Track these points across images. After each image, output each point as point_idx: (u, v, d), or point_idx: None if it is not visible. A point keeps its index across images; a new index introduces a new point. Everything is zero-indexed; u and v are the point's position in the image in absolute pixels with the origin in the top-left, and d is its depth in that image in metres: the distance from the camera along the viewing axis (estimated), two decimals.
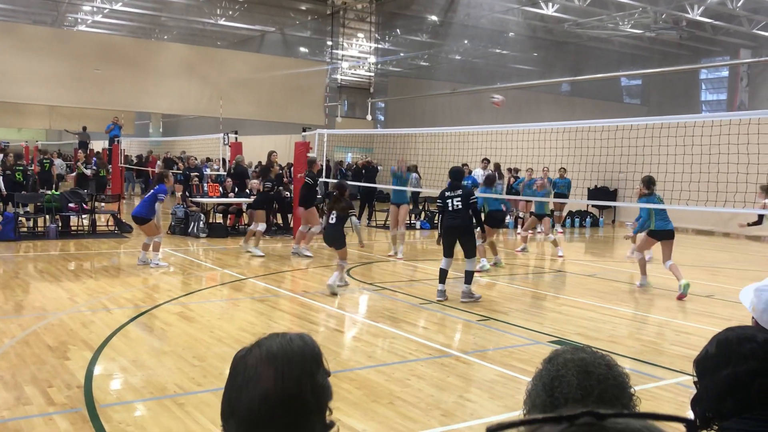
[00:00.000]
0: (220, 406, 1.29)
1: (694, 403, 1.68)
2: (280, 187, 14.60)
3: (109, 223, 15.13)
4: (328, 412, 1.30)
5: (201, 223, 14.65)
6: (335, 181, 12.71)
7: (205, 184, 16.92)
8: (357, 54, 32.93)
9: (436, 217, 18.70)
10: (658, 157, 12.26)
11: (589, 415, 0.71)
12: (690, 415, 1.68)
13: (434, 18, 28.16)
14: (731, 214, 14.26)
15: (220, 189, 15.84)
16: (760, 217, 10.82)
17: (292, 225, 15.12)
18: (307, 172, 12.60)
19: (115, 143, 23.66)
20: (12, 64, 19.98)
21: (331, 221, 8.99)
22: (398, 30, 30.77)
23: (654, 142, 13.09)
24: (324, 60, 30.45)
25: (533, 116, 25.31)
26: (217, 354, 6.07)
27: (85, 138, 26.82)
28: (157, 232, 10.76)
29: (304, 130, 15.72)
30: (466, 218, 8.63)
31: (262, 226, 12.70)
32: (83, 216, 14.36)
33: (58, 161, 24.38)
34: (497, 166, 17.45)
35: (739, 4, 22.76)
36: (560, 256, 13.13)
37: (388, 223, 13.78)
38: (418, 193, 19.00)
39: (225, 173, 17.70)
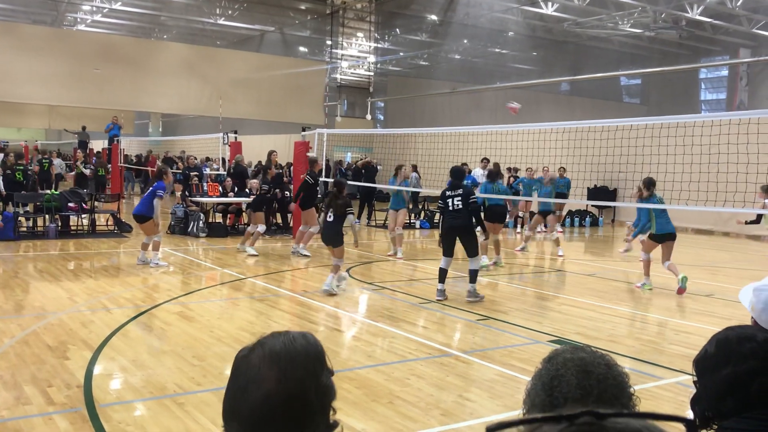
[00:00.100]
0: (222, 407, 1.27)
1: (694, 403, 1.68)
2: (277, 189, 14.60)
3: (109, 223, 15.12)
4: (331, 412, 1.29)
5: (200, 222, 14.65)
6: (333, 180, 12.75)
7: (205, 184, 16.92)
8: (356, 53, 32.93)
9: (436, 217, 18.74)
10: (657, 157, 12.27)
11: (589, 415, 0.71)
12: (690, 414, 1.68)
13: (434, 17, 28.16)
14: (731, 214, 14.27)
15: (220, 188, 15.84)
16: (759, 216, 10.83)
17: (291, 225, 15.12)
18: (309, 171, 12.62)
19: (115, 143, 23.66)
20: (11, 63, 19.97)
21: (329, 219, 8.92)
22: (398, 29, 30.77)
23: (653, 141, 13.10)
24: (323, 59, 30.45)
25: (533, 116, 25.25)
26: (217, 353, 6.07)
27: (85, 137, 26.81)
28: (157, 231, 10.74)
29: (304, 130, 15.72)
30: (466, 218, 8.61)
31: (261, 228, 12.74)
32: (83, 216, 14.36)
33: (57, 161, 24.36)
34: (496, 166, 17.44)
35: (738, 4, 22.77)
36: (560, 256, 13.13)
37: (387, 223, 13.79)
38: (418, 192, 19.02)
39: (225, 173, 17.69)
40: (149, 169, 26.78)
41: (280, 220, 16.17)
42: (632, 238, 11.10)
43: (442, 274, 8.77)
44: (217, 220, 15.58)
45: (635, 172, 13.56)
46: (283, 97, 24.45)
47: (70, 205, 14.03)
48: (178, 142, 33.56)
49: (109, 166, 23.02)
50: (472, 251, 8.69)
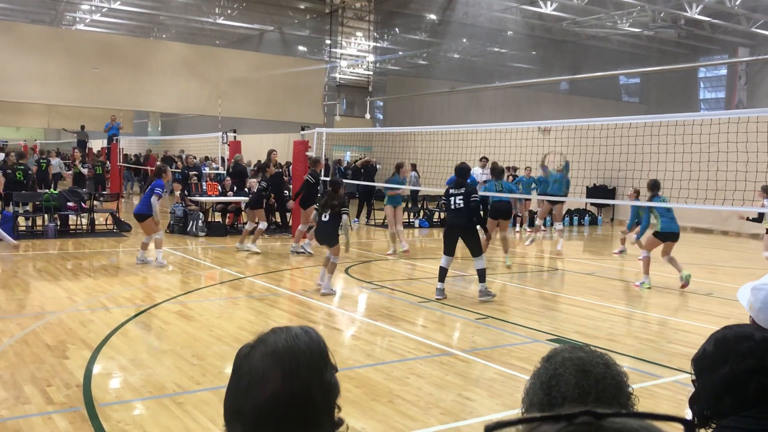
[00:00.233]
0: (223, 407, 1.24)
1: (692, 402, 1.68)
2: (272, 189, 14.56)
3: (108, 222, 15.12)
4: (336, 410, 1.26)
5: (200, 221, 14.65)
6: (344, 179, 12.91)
7: (204, 183, 16.91)
8: (356, 53, 32.91)
9: (435, 216, 18.75)
10: (656, 156, 12.27)
11: (587, 415, 0.71)
12: (688, 413, 1.68)
13: (433, 17, 28.14)
14: (729, 212, 14.28)
15: (219, 188, 15.84)
16: (761, 215, 10.85)
17: (290, 224, 15.12)
18: (311, 170, 12.66)
19: (114, 142, 23.64)
20: (10, 62, 19.95)
21: (324, 219, 8.80)
22: (397, 29, 30.75)
23: (652, 140, 13.11)
24: (323, 59, 30.43)
25: (532, 115, 25.35)
26: (216, 353, 6.07)
27: (84, 137, 26.80)
28: (157, 229, 10.73)
29: (303, 129, 15.72)
30: (467, 217, 8.59)
31: (263, 224, 12.81)
32: (82, 215, 14.36)
33: (56, 161, 24.34)
34: (495, 165, 17.43)
35: (737, 3, 22.77)
36: (558, 250, 13.18)
37: (386, 222, 13.82)
38: (417, 191, 19.02)
39: (224, 172, 17.70)
40: (149, 168, 26.79)
41: (279, 219, 16.17)
42: (637, 239, 11.07)
43: (442, 273, 8.76)
44: (216, 220, 15.58)
45: (634, 170, 13.58)
46: (283, 96, 24.43)
47: (69, 204, 14.03)
48: (177, 142, 33.54)
49: (108, 164, 22.99)
50: (475, 250, 8.65)
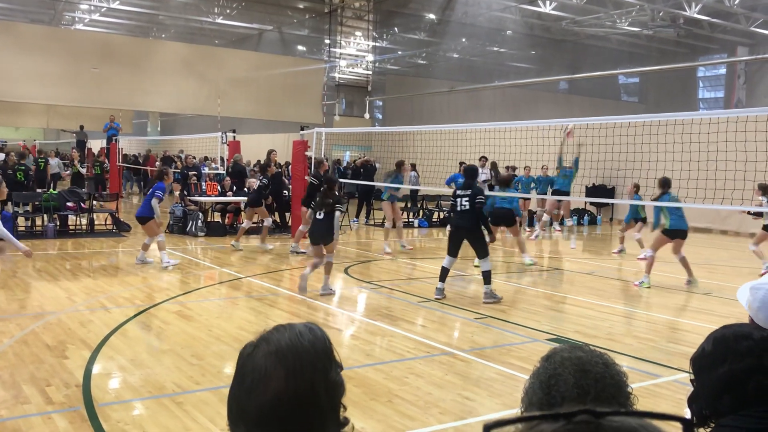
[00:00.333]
0: (227, 407, 1.22)
1: (691, 401, 1.68)
2: (272, 188, 14.58)
3: (108, 223, 15.11)
4: (341, 409, 1.24)
5: (199, 221, 14.64)
6: (344, 179, 12.97)
7: (203, 183, 16.90)
8: (355, 52, 32.91)
9: (435, 215, 18.76)
10: (656, 155, 12.28)
11: (586, 413, 0.71)
12: (687, 412, 1.68)
13: (432, 16, 28.15)
14: (729, 212, 14.29)
15: (219, 188, 15.83)
16: (757, 214, 10.88)
17: (290, 224, 15.12)
18: (314, 172, 12.70)
19: (113, 142, 23.63)
20: (9, 62, 19.94)
21: (319, 217, 8.64)
22: (396, 28, 30.76)
23: (651, 139, 13.11)
24: (322, 58, 30.42)
25: (531, 114, 25.36)
26: (216, 353, 6.07)
27: (83, 137, 26.79)
28: (159, 231, 10.72)
29: (302, 129, 15.72)
30: (472, 219, 8.54)
31: (267, 221, 12.91)
32: (81, 215, 14.35)
33: (54, 161, 24.34)
34: (494, 165, 17.45)
35: (736, 2, 22.79)
36: (572, 248, 13.27)
37: (384, 221, 13.84)
38: (417, 191, 19.02)
39: (224, 172, 17.70)
40: (149, 168, 26.79)
41: (278, 219, 16.17)
42: (653, 230, 10.94)
43: (444, 273, 8.75)
44: (215, 220, 15.58)
45: (633, 170, 13.58)
46: (282, 96, 24.42)
47: (69, 204, 14.03)
48: (177, 142, 33.54)
49: (107, 164, 22.98)
50: (481, 252, 8.62)
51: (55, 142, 43.76)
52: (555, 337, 6.94)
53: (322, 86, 26.30)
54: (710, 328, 1.81)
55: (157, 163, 26.54)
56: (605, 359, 1.30)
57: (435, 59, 32.93)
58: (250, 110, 24.62)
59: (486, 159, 16.57)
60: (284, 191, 15.23)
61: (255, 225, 13.86)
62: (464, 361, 6.10)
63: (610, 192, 20.49)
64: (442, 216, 18.62)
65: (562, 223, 15.85)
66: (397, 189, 13.41)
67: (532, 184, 17.08)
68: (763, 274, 11.38)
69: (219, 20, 28.96)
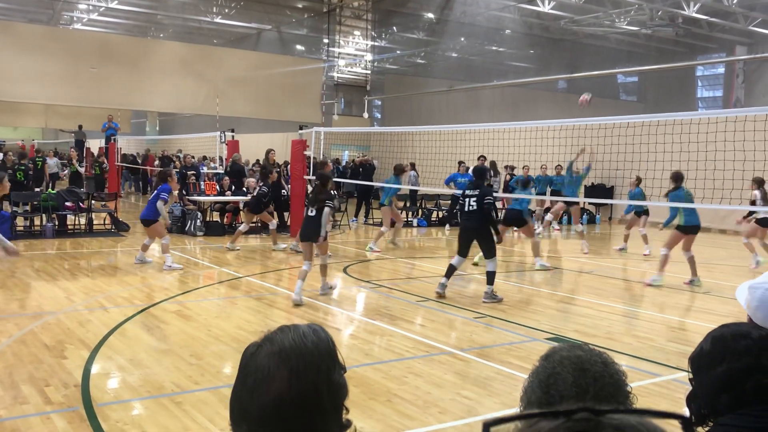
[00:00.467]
0: (230, 406, 1.22)
1: (690, 400, 1.69)
2: (272, 194, 14.56)
3: (106, 222, 15.10)
4: (344, 411, 1.23)
5: (198, 221, 14.64)
6: (343, 179, 12.99)
7: (202, 183, 16.89)
8: (353, 52, 32.91)
9: (434, 215, 18.76)
10: (654, 154, 12.28)
11: (586, 411, 0.71)
12: (686, 411, 1.68)
13: (431, 15, 28.15)
14: (727, 211, 14.30)
15: (217, 187, 15.82)
16: (752, 211, 10.93)
17: (289, 223, 15.12)
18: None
19: (112, 142, 23.61)
20: (7, 62, 19.92)
21: (310, 213, 8.46)
22: (395, 27, 30.75)
23: (650, 139, 13.11)
24: (320, 58, 30.41)
25: (530, 113, 25.37)
26: (215, 352, 6.07)
27: (81, 137, 26.76)
28: (164, 233, 10.70)
29: (301, 128, 15.71)
30: (480, 219, 8.52)
31: (273, 224, 12.95)
32: (80, 215, 14.34)
33: (53, 160, 24.31)
34: (493, 164, 17.46)
35: (734, 1, 22.81)
36: (585, 252, 13.23)
37: (383, 225, 13.85)
38: (416, 191, 19.02)
39: (222, 171, 17.69)
40: (148, 168, 26.76)
41: (277, 219, 16.17)
42: (663, 227, 10.89)
43: (450, 270, 8.74)
44: (214, 219, 15.57)
45: (632, 169, 13.59)
46: (280, 95, 24.40)
47: (67, 204, 14.02)
48: (175, 141, 33.51)
49: (106, 164, 22.96)
50: (488, 252, 8.59)
51: (53, 141, 43.73)
52: (554, 336, 6.95)
53: (320, 86, 26.28)
54: (709, 327, 1.81)
55: (156, 163, 26.55)
56: (604, 358, 1.30)
57: (434, 59, 32.94)
58: (249, 110, 24.60)
59: (485, 158, 16.56)
60: (282, 191, 15.22)
61: (254, 225, 13.88)
62: (463, 360, 6.11)
63: (609, 191, 20.50)
64: (441, 215, 18.62)
65: (561, 222, 15.87)
66: (397, 191, 13.52)
67: (531, 184, 17.07)
68: (754, 269, 11.45)
69: (217, 20, 28.94)
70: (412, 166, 19.15)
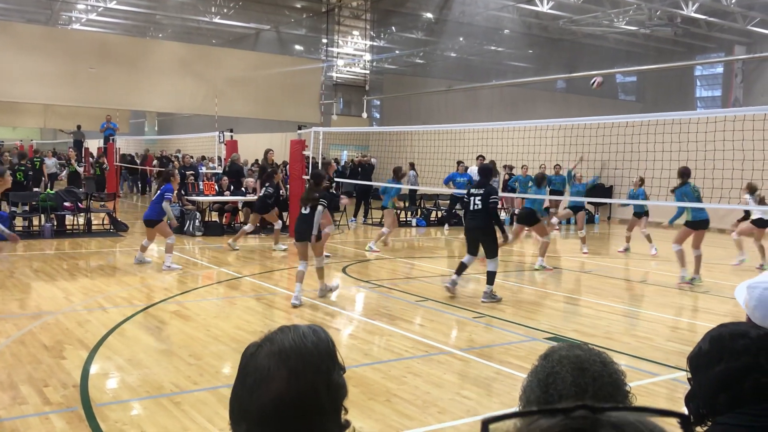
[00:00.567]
0: (229, 406, 1.22)
1: (689, 399, 1.69)
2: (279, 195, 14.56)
3: (105, 222, 15.10)
4: (343, 411, 1.24)
5: (197, 221, 14.63)
6: (342, 179, 12.99)
7: (201, 183, 16.88)
8: (352, 52, 32.91)
9: (433, 215, 18.76)
10: (653, 154, 12.30)
11: (585, 409, 0.71)
12: (684, 411, 1.69)
13: (429, 15, 28.15)
14: (726, 210, 14.32)
15: (216, 187, 15.82)
16: (747, 213, 10.94)
17: (288, 223, 15.10)
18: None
19: (110, 142, 23.60)
20: (6, 62, 19.92)
21: (304, 212, 8.33)
22: (393, 27, 30.75)
23: (649, 138, 13.14)
24: (319, 58, 30.42)
25: (529, 113, 25.38)
26: (214, 352, 6.07)
27: (80, 137, 26.74)
28: (170, 233, 10.65)
29: (300, 128, 15.71)
30: (484, 218, 8.49)
31: (278, 224, 12.95)
32: (79, 215, 14.33)
33: (52, 160, 24.29)
34: (492, 164, 17.42)
35: (733, 1, 22.83)
36: (585, 253, 13.23)
37: (383, 221, 13.88)
38: (415, 190, 19.02)
39: (221, 171, 17.68)
40: (147, 168, 26.75)
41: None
42: (668, 225, 10.87)
43: (461, 268, 8.75)
44: (213, 219, 15.56)
45: (631, 169, 13.61)
46: (279, 95, 24.42)
47: (66, 204, 14.01)
48: (174, 141, 33.50)
49: (105, 165, 22.95)
50: (490, 252, 8.57)
51: (52, 141, 43.71)
52: (553, 335, 6.95)
53: (319, 86, 26.29)
54: (707, 326, 1.82)
55: (155, 163, 26.53)
56: (603, 358, 1.30)
57: (432, 58, 32.94)
58: (248, 110, 24.61)
59: (483, 158, 16.56)
60: (281, 191, 15.21)
61: (257, 225, 13.90)
62: (462, 360, 6.11)
63: (607, 191, 20.50)
64: (439, 215, 18.62)
65: (561, 223, 15.87)
66: (398, 192, 13.55)
67: (530, 183, 17.07)
68: (736, 265, 11.49)
69: (216, 20, 28.93)
70: (411, 165, 19.15)
